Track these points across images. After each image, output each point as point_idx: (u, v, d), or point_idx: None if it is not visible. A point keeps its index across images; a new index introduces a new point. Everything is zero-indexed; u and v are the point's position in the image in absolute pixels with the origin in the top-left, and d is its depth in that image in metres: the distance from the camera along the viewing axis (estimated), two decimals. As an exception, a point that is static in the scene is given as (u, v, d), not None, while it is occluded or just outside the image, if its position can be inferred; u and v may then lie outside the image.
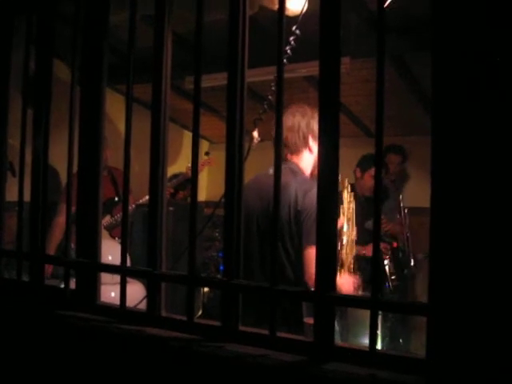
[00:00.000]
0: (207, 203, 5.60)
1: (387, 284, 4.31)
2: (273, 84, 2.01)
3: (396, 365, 1.25)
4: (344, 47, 1.38)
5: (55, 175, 3.33)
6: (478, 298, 1.13)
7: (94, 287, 1.83)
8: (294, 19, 2.16)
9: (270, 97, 2.25)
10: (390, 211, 4.73)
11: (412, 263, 4.59)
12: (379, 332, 2.60)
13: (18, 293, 2.00)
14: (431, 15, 1.22)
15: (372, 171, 4.39)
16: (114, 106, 2.98)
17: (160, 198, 1.69)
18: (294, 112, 2.87)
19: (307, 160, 2.92)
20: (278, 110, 1.48)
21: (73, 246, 1.88)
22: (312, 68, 3.92)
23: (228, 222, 1.54)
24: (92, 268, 1.83)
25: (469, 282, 1.14)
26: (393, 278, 4.41)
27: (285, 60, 1.50)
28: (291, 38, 2.13)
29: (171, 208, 3.98)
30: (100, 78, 1.86)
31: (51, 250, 4.08)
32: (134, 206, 4.40)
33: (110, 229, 4.56)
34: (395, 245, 4.66)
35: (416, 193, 3.48)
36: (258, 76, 3.51)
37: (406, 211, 4.89)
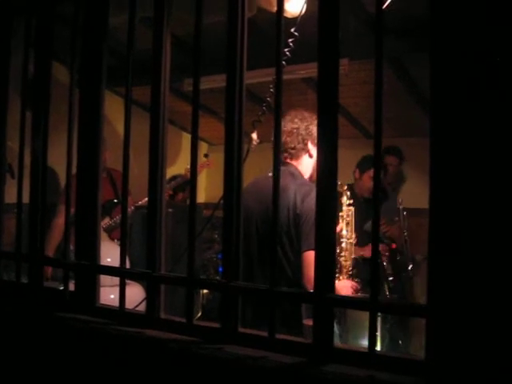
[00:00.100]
0: (206, 205, 5.60)
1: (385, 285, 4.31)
2: (271, 86, 2.01)
3: (395, 366, 1.25)
4: (342, 49, 1.38)
5: (54, 176, 3.33)
6: (477, 299, 1.14)
7: (93, 289, 1.82)
8: (293, 21, 2.16)
9: (268, 98, 2.25)
10: (388, 213, 4.73)
11: (410, 267, 4.58)
12: (378, 333, 2.60)
13: (17, 295, 2.00)
14: (429, 17, 1.22)
15: (371, 172, 4.38)
16: (113, 108, 2.98)
17: (159, 199, 1.69)
18: (292, 117, 2.89)
19: (306, 164, 2.92)
20: (277, 112, 1.48)
21: (72, 247, 1.88)
22: (311, 70, 3.92)
23: (227, 224, 1.54)
24: (91, 270, 1.83)
25: (468, 284, 1.14)
26: (390, 279, 4.41)
27: (283, 62, 1.50)
28: (290, 40, 2.13)
29: (170, 210, 3.97)
30: (99, 80, 1.86)
31: (50, 251, 4.08)
32: (133, 207, 4.40)
33: (109, 231, 4.56)
34: (394, 246, 4.66)
35: (415, 194, 3.47)
36: (257, 78, 3.51)
37: (405, 213, 4.89)
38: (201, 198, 6.61)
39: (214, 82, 3.35)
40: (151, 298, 1.69)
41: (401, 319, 3.21)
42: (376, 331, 1.32)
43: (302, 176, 2.88)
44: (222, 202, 1.57)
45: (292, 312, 2.59)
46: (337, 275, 3.12)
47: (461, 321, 1.15)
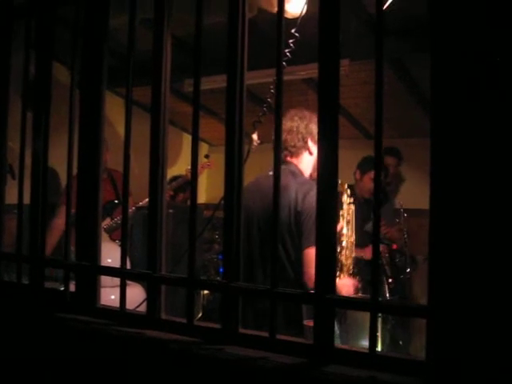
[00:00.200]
0: (207, 205, 5.60)
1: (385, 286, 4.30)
2: (272, 86, 2.01)
3: (396, 367, 1.25)
4: (343, 49, 1.39)
5: (55, 177, 3.33)
6: (478, 300, 1.14)
7: (93, 290, 1.83)
8: (293, 22, 2.17)
9: (269, 99, 2.26)
10: (387, 214, 4.73)
11: (408, 269, 4.58)
12: (379, 334, 2.60)
13: (17, 295, 2.00)
14: (429, 17, 1.22)
15: (372, 174, 4.38)
16: (114, 109, 2.98)
17: (160, 200, 1.69)
18: (292, 115, 2.90)
19: (306, 162, 2.93)
20: (278, 113, 1.48)
21: (72, 248, 1.88)
22: (311, 70, 3.92)
23: (228, 225, 1.54)
24: (92, 271, 1.83)
25: (468, 284, 1.14)
26: (390, 281, 4.40)
27: (284, 62, 1.50)
28: (290, 41, 2.13)
29: (171, 210, 3.97)
30: (100, 81, 1.86)
31: (48, 251, 4.07)
32: (133, 208, 4.39)
33: (110, 231, 4.55)
34: (395, 247, 4.66)
35: (416, 195, 3.48)
36: (258, 78, 3.51)
37: (405, 215, 4.89)
38: (201, 198, 6.61)
39: (214, 83, 3.34)
40: (152, 298, 1.69)
41: (402, 320, 3.21)
42: (377, 332, 1.32)
43: (302, 174, 2.89)
44: (222, 202, 1.57)
45: (292, 312, 2.59)
46: (338, 273, 3.12)
47: (461, 321, 1.15)
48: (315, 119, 2.82)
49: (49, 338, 1.81)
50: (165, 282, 1.69)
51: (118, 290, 1.75)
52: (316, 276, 1.38)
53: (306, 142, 2.90)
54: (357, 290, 3.08)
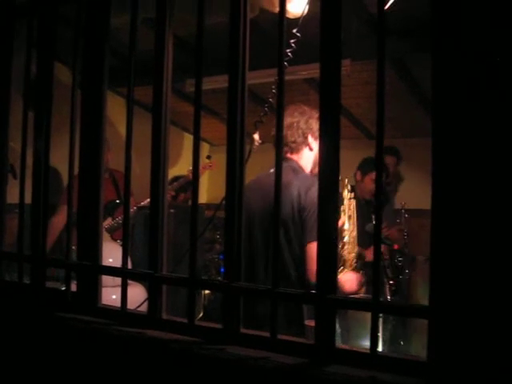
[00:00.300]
0: (208, 205, 5.59)
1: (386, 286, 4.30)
2: (273, 86, 2.02)
3: (397, 367, 1.25)
4: (344, 49, 1.38)
5: (57, 176, 3.34)
6: (479, 300, 1.13)
7: (95, 290, 1.83)
8: (295, 22, 2.17)
9: (270, 99, 2.26)
10: (388, 215, 4.72)
11: (407, 270, 4.57)
12: (380, 334, 2.59)
13: (19, 295, 2.00)
14: (431, 17, 1.22)
15: (373, 175, 4.39)
16: (115, 109, 2.98)
17: (161, 200, 1.69)
18: (292, 111, 2.89)
19: (307, 158, 2.93)
20: (279, 113, 1.48)
21: (73, 247, 1.88)
22: (313, 70, 3.92)
23: (229, 224, 1.54)
24: (93, 270, 1.83)
25: (470, 284, 1.14)
26: (391, 282, 4.40)
27: (285, 62, 1.50)
28: (292, 41, 2.13)
29: (172, 210, 3.97)
30: (101, 81, 1.86)
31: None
32: (135, 208, 4.40)
33: (111, 231, 4.56)
34: (396, 247, 4.65)
35: (417, 195, 3.47)
36: (259, 78, 3.50)
37: (406, 216, 4.89)
38: (202, 198, 6.60)
39: (216, 83, 3.35)
40: (153, 298, 1.69)
41: (403, 320, 3.20)
42: (378, 332, 1.32)
43: (303, 170, 2.89)
44: (223, 202, 1.57)
45: (294, 312, 2.59)
46: (341, 268, 3.13)
47: (463, 322, 1.15)
48: (315, 115, 2.84)
49: (50, 337, 1.81)
50: (166, 282, 1.69)
51: (119, 290, 1.75)
52: (317, 276, 1.38)
53: (306, 138, 2.89)
54: (361, 285, 3.08)
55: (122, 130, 1.82)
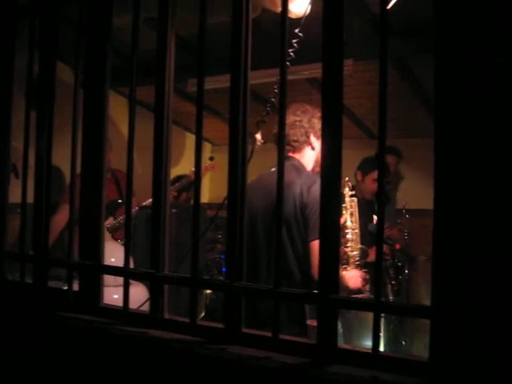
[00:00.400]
0: (210, 205, 5.59)
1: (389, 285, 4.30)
2: (276, 86, 2.01)
3: (399, 367, 1.25)
4: (347, 49, 1.38)
5: (60, 176, 3.34)
6: (481, 301, 1.13)
7: (97, 289, 1.83)
8: (297, 21, 2.17)
9: (272, 99, 2.26)
10: (390, 215, 4.71)
11: (406, 270, 4.57)
12: (382, 334, 2.59)
13: (21, 295, 2.00)
14: (434, 18, 1.22)
15: (373, 174, 4.38)
16: (117, 109, 2.99)
17: (163, 200, 1.69)
18: (295, 110, 2.89)
19: (309, 157, 2.93)
20: (281, 112, 1.48)
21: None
22: (315, 70, 3.92)
23: (231, 224, 1.54)
24: (95, 270, 1.83)
25: (472, 285, 1.14)
26: (393, 282, 4.40)
27: (288, 62, 1.50)
28: (294, 41, 2.13)
29: (174, 210, 3.97)
30: (103, 81, 1.86)
31: None
32: (137, 208, 4.40)
33: (113, 231, 4.56)
34: (398, 247, 4.65)
35: (419, 195, 3.48)
36: (261, 78, 3.51)
37: (407, 216, 4.89)
38: (204, 198, 6.60)
39: (218, 83, 3.35)
40: (155, 298, 1.69)
41: (404, 320, 3.20)
42: (379, 332, 1.32)
43: (305, 169, 2.89)
44: (225, 202, 1.57)
45: (296, 312, 2.59)
46: (344, 266, 3.13)
47: (465, 322, 1.15)
48: (317, 114, 2.84)
49: (52, 337, 1.81)
50: (168, 282, 1.69)
51: (121, 290, 1.75)
52: (319, 276, 1.38)
53: (308, 137, 2.89)
54: (365, 282, 3.09)
55: (124, 130, 1.82)
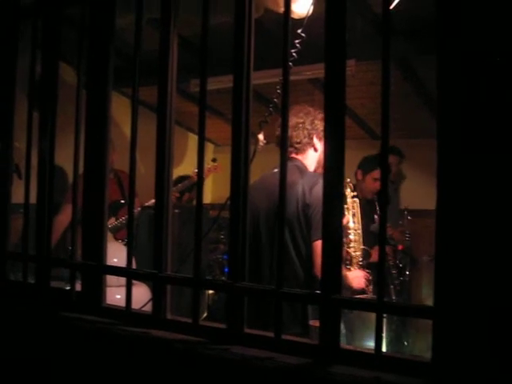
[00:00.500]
0: (212, 205, 5.59)
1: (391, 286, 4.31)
2: (278, 86, 2.01)
3: (401, 368, 1.25)
4: (349, 50, 1.38)
5: (63, 176, 3.34)
6: (484, 301, 1.13)
7: (99, 289, 1.83)
8: (300, 22, 2.16)
9: (275, 99, 2.25)
10: (392, 215, 4.71)
11: (407, 272, 4.56)
12: (384, 334, 2.59)
13: (23, 295, 2.01)
14: (436, 18, 1.22)
15: (374, 174, 4.37)
16: (120, 109, 2.98)
17: (166, 200, 1.69)
18: (297, 112, 2.90)
19: (312, 158, 2.93)
20: (284, 113, 1.48)
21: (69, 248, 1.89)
22: (317, 70, 3.91)
23: (233, 225, 1.54)
24: (98, 270, 1.83)
25: (475, 285, 1.14)
26: (396, 282, 4.40)
27: (290, 63, 1.50)
28: (297, 41, 2.13)
29: (177, 210, 3.97)
30: (106, 81, 1.86)
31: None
32: (139, 208, 4.40)
33: (115, 231, 4.56)
34: (400, 247, 4.64)
35: (422, 195, 3.47)
36: (264, 78, 3.50)
37: (408, 218, 4.88)
38: (207, 198, 6.61)
39: (220, 83, 3.34)
40: (157, 298, 1.69)
41: (407, 320, 3.20)
42: (382, 332, 1.31)
43: (307, 170, 2.89)
44: (228, 202, 1.57)
45: (298, 312, 2.59)
46: (348, 266, 3.14)
47: (467, 322, 1.15)
48: (319, 115, 2.84)
49: (54, 337, 1.81)
50: (170, 282, 1.69)
51: (123, 290, 1.75)
52: (322, 277, 1.38)
53: (311, 139, 2.90)
54: (368, 282, 3.09)
55: (127, 131, 1.82)
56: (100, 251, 1.83)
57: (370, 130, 5.82)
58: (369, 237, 3.74)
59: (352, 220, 3.22)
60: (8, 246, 2.13)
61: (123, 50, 3.68)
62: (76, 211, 1.89)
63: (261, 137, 2.49)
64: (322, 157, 1.44)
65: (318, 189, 2.55)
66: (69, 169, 1.99)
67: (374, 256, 3.64)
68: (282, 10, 1.50)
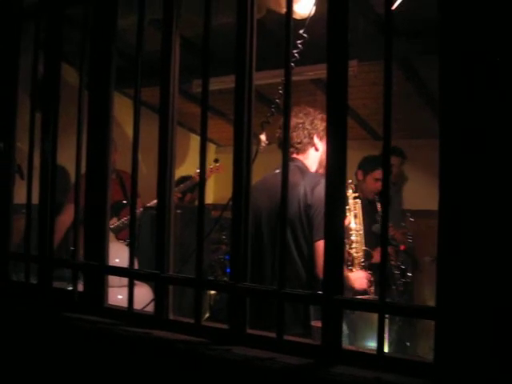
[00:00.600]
0: (214, 206, 5.60)
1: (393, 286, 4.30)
2: (280, 87, 2.02)
3: (403, 368, 1.25)
4: (351, 50, 1.38)
5: (65, 176, 3.35)
6: (486, 302, 1.13)
7: (101, 290, 1.83)
8: (302, 22, 2.17)
9: (277, 100, 2.26)
10: (394, 216, 4.70)
11: (409, 273, 4.56)
12: (386, 335, 2.59)
13: (26, 295, 2.01)
14: (438, 19, 1.22)
15: (375, 174, 4.37)
16: (122, 110, 2.99)
17: (168, 200, 1.69)
18: (296, 112, 2.91)
19: (313, 158, 2.94)
20: (286, 113, 1.48)
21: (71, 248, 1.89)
22: (319, 71, 3.91)
23: (235, 225, 1.54)
24: (100, 270, 1.83)
25: (477, 286, 1.14)
26: (398, 282, 4.39)
27: (292, 63, 1.50)
28: (299, 42, 2.13)
29: (179, 211, 3.98)
30: (108, 82, 1.87)
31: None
32: (141, 209, 4.40)
33: (117, 231, 4.56)
34: (403, 248, 4.64)
35: (424, 196, 3.47)
36: (266, 79, 3.50)
37: (411, 219, 4.88)
38: (209, 199, 6.61)
39: (222, 84, 3.35)
40: (159, 298, 1.69)
41: (409, 321, 3.20)
42: (384, 333, 1.31)
43: (308, 170, 2.90)
44: (230, 203, 1.57)
45: (300, 313, 2.59)
46: (350, 267, 3.14)
47: (470, 323, 1.14)
48: (319, 115, 2.85)
49: (56, 337, 1.81)
50: (172, 283, 1.69)
51: (125, 290, 1.75)
52: (324, 277, 1.38)
53: (312, 139, 2.90)
54: (370, 283, 3.09)
55: (129, 131, 1.82)
56: (102, 251, 1.83)
57: (372, 130, 5.82)
58: (371, 238, 3.74)
59: (354, 221, 3.22)
60: (10, 246, 2.13)
61: (125, 51, 3.67)
62: (78, 211, 1.89)
63: (263, 137, 2.49)
64: (324, 157, 1.44)
65: (320, 189, 2.55)
66: (71, 169, 1.99)
67: (376, 257, 3.64)
68: (284, 10, 1.50)
